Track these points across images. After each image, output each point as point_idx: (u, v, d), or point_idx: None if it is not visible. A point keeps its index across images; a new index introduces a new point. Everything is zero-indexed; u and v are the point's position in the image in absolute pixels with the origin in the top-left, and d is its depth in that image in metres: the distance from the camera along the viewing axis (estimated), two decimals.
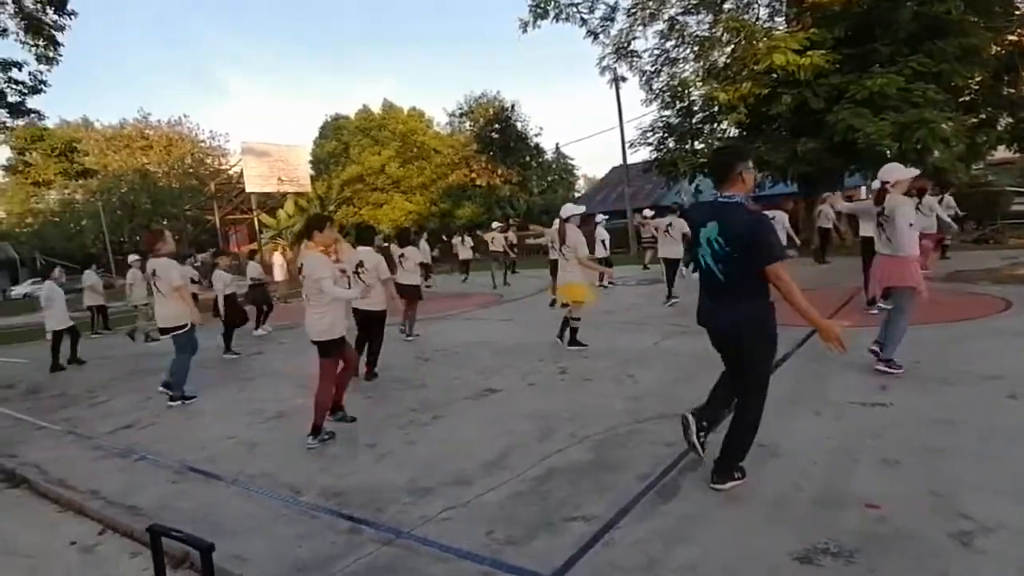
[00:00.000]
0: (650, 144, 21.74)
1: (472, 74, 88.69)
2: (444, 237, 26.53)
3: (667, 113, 21.21)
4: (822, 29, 15.68)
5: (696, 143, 20.79)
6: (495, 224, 18.68)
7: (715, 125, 20.35)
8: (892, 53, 15.41)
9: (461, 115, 38.96)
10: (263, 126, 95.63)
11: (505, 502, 3.26)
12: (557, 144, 48.18)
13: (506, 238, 16.72)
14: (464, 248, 19.11)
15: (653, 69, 21.05)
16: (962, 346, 5.67)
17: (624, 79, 22.00)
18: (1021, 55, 17.37)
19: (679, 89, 20.14)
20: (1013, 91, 18.04)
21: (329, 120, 41.12)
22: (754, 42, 16.06)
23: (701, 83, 19.43)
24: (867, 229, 7.15)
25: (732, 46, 17.43)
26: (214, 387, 6.80)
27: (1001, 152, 21.67)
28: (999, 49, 16.83)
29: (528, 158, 38.14)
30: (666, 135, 21.22)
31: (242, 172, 19.42)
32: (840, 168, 16.73)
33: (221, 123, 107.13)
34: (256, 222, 19.97)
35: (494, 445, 4.12)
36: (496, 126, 36.23)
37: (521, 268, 19.17)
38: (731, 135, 19.65)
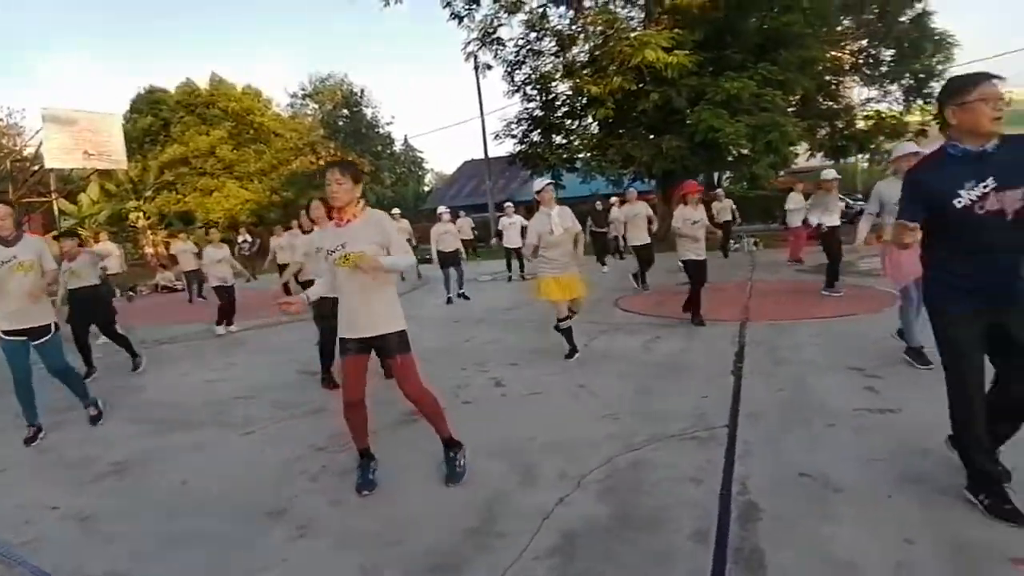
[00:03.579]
0: (514, 136, 21.33)
1: (316, 55, 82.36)
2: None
3: (531, 105, 20.94)
4: (684, 31, 16.18)
5: (558, 137, 20.73)
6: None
7: (579, 120, 20.44)
8: (743, 60, 16.33)
9: (304, 97, 35.82)
10: (67, 100, 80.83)
11: None
12: (406, 136, 46.38)
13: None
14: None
15: (516, 60, 20.60)
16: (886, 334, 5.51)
17: (489, 67, 21.25)
18: (840, 70, 19.56)
19: (543, 81, 19.93)
20: (832, 103, 20.23)
21: (143, 93, 35.48)
22: (622, 37, 16.15)
23: (560, 77, 19.38)
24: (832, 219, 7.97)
25: (599, 40, 17.44)
26: (15, 426, 4.80)
27: (800, 162, 24.54)
28: (823, 64, 18.67)
29: (380, 147, 36.16)
30: (531, 127, 20.92)
31: (39, 147, 15.54)
32: (701, 167, 17.49)
33: (16, 100, 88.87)
34: (55, 207, 16.24)
35: (465, 498, 3.02)
36: (345, 111, 33.77)
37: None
38: (595, 131, 19.80)
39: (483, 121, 25.48)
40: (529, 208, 27.69)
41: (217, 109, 33.04)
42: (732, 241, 15.44)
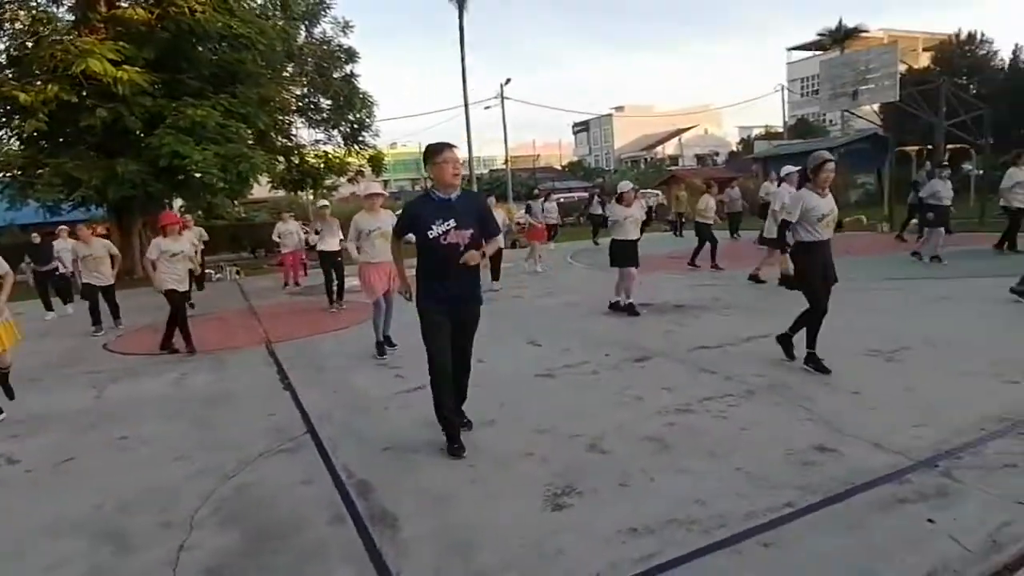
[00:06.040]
0: None
1: None
2: None
3: None
4: (131, 46, 14.81)
5: None
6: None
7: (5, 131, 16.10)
8: (201, 88, 16.11)
9: None
10: None
11: None
12: None
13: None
14: None
15: None
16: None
17: None
18: (289, 111, 21.43)
19: None
20: (285, 140, 21.92)
21: None
22: (55, 40, 13.64)
23: None
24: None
25: (27, 39, 14.23)
26: None
27: (256, 192, 25.99)
28: (275, 103, 20.02)
29: None
30: None
31: None
32: (165, 194, 16.33)
33: None
34: None
35: None
36: None
37: None
38: (17, 146, 15.92)
39: None
40: None
41: None
42: (212, 271, 15.16)
